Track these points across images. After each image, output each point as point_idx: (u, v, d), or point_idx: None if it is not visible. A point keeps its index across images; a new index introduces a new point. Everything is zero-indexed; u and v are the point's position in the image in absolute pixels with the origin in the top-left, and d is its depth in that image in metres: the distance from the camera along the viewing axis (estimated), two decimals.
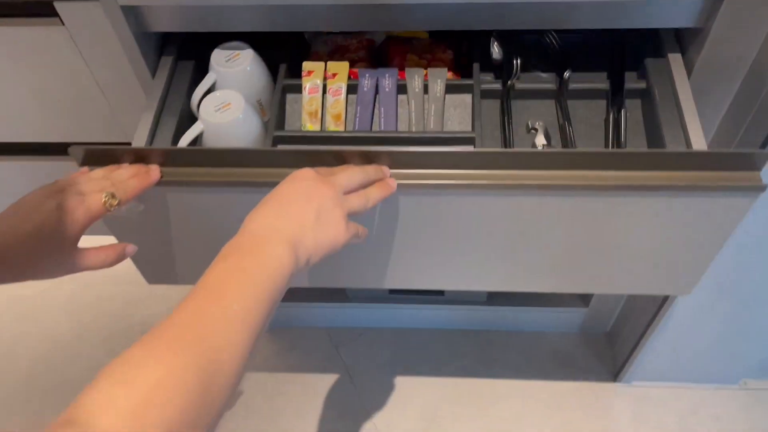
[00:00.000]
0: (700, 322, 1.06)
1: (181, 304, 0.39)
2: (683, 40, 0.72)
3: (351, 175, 0.52)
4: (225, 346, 0.38)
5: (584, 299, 1.26)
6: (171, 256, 0.73)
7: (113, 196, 0.53)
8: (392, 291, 1.24)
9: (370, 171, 0.54)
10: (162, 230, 0.69)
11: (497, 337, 1.33)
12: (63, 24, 0.74)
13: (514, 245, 0.67)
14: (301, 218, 0.46)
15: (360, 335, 1.34)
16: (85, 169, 0.58)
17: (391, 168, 0.58)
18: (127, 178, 0.56)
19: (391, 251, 0.70)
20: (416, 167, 0.59)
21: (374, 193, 0.54)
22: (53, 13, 0.72)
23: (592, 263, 0.69)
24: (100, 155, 0.60)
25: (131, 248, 0.58)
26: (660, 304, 1.02)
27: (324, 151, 0.57)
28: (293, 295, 1.25)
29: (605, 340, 1.32)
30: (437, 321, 1.32)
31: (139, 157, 0.61)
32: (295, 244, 0.45)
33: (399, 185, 0.58)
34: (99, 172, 0.57)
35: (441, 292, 1.23)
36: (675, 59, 0.71)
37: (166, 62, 0.76)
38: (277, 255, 0.43)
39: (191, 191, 0.62)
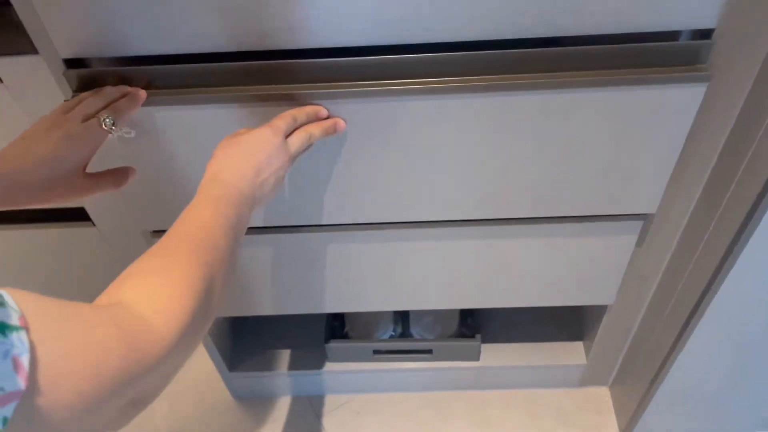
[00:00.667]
0: (708, 373, 0.99)
1: (180, 229, 0.49)
2: None
3: (293, 117, 0.60)
4: (217, 269, 0.47)
5: (585, 346, 1.19)
6: (156, 193, 0.73)
7: (109, 116, 0.57)
8: (376, 351, 1.16)
9: (309, 111, 0.62)
10: (150, 161, 0.69)
11: (493, 397, 1.23)
12: (1, 82, 0.69)
13: (483, 158, 0.69)
14: (262, 179, 0.56)
15: (344, 403, 1.24)
16: (79, 95, 0.61)
17: (362, 80, 0.62)
18: (119, 97, 0.60)
19: (368, 177, 0.73)
20: (389, 78, 0.63)
21: (316, 131, 0.61)
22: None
23: (557, 179, 0.70)
24: (91, 78, 0.63)
25: (134, 171, 0.64)
26: (666, 354, 0.95)
27: (301, 64, 0.61)
28: (271, 365, 1.18)
29: (608, 395, 1.23)
30: (426, 384, 1.23)
31: (127, 78, 0.63)
32: (256, 202, 0.56)
33: (382, 93, 0.62)
34: (90, 94, 0.60)
35: (429, 351, 1.15)
36: None
37: None
38: (246, 214, 0.54)
39: (177, 109, 0.64)
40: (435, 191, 0.74)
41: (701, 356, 0.94)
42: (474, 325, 1.16)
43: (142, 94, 0.61)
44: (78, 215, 0.80)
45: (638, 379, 1.08)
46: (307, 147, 0.61)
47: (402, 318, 1.17)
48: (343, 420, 1.22)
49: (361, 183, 0.73)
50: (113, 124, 0.57)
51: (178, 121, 0.66)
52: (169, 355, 0.39)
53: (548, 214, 0.78)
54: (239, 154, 0.56)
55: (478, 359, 1.17)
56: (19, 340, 0.29)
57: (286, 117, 0.59)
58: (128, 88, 0.62)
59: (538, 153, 0.69)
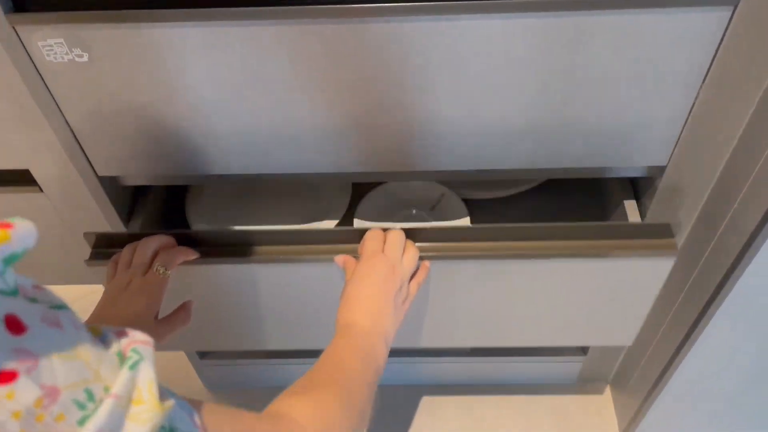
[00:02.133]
0: (721, 371, 0.90)
1: (322, 366, 0.55)
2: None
3: (397, 247, 0.65)
4: (363, 408, 0.54)
5: (582, 348, 1.11)
6: (112, 129, 0.67)
7: (161, 265, 0.64)
8: None
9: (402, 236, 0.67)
10: (106, 89, 0.63)
11: (484, 393, 1.15)
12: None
13: (481, 91, 0.64)
14: (388, 318, 0.61)
15: None
16: (131, 246, 0.67)
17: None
18: (170, 249, 0.67)
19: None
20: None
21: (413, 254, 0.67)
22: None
23: (560, 118, 0.65)
24: (109, 239, 0.70)
25: (192, 301, 0.69)
26: (675, 350, 0.87)
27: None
28: (246, 351, 1.09)
29: (608, 392, 1.16)
30: (413, 376, 1.14)
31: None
32: (388, 339, 0.61)
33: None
34: (139, 246, 0.67)
35: None
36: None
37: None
38: (383, 354, 0.60)
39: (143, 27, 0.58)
40: (426, 138, 0.66)
41: (715, 353, 0.86)
42: None
43: (195, 254, 0.68)
44: (24, 180, 0.72)
45: (642, 376, 1.00)
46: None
47: None
48: None
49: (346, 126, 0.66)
50: (167, 270, 0.64)
51: (140, 41, 0.58)
52: None
53: (549, 165, 0.70)
54: (368, 302, 0.61)
55: (468, 351, 1.09)
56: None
57: (394, 246, 0.64)
58: (174, 240, 0.68)
59: (542, 88, 0.61)
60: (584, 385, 1.16)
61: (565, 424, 1.12)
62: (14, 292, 0.24)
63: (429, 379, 1.15)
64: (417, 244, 0.67)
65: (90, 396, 0.25)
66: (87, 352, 0.26)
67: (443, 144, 0.68)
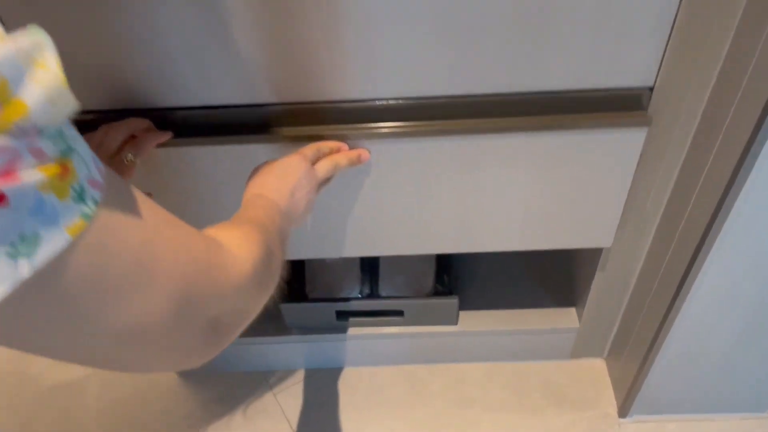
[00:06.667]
0: (713, 338, 0.86)
1: (249, 218, 0.52)
2: None
3: (318, 148, 0.67)
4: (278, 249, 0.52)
5: (578, 312, 1.05)
6: None
7: (131, 153, 0.63)
8: (339, 314, 1.01)
9: (332, 145, 0.69)
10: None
11: (473, 371, 1.09)
12: None
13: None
14: (296, 198, 0.60)
15: (304, 377, 1.09)
16: (104, 127, 0.63)
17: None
18: (144, 131, 0.66)
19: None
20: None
21: (342, 160, 0.68)
22: None
23: (543, 36, 0.64)
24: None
25: (150, 194, 0.66)
26: (661, 321, 0.82)
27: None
28: None
29: (603, 367, 1.10)
30: (398, 356, 1.08)
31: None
32: (291, 219, 0.59)
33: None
34: (113, 127, 0.63)
35: (400, 312, 1.01)
36: None
37: None
38: (286, 228, 0.57)
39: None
40: (396, 60, 0.64)
41: (705, 312, 0.81)
42: (451, 284, 1.03)
43: (168, 134, 0.66)
44: None
45: (635, 348, 0.95)
46: (332, 175, 0.67)
47: (370, 277, 1.03)
48: (301, 396, 1.06)
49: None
50: (135, 157, 0.62)
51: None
52: (243, 285, 0.41)
53: (539, 87, 0.67)
54: (274, 176, 0.60)
55: (455, 322, 1.03)
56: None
57: (311, 147, 0.66)
58: (150, 123, 0.66)
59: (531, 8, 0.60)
60: (578, 360, 1.10)
61: (559, 398, 1.06)
62: None
63: (411, 357, 1.09)
64: (391, 123, 0.69)
65: None
66: None
67: (420, 62, 0.65)
